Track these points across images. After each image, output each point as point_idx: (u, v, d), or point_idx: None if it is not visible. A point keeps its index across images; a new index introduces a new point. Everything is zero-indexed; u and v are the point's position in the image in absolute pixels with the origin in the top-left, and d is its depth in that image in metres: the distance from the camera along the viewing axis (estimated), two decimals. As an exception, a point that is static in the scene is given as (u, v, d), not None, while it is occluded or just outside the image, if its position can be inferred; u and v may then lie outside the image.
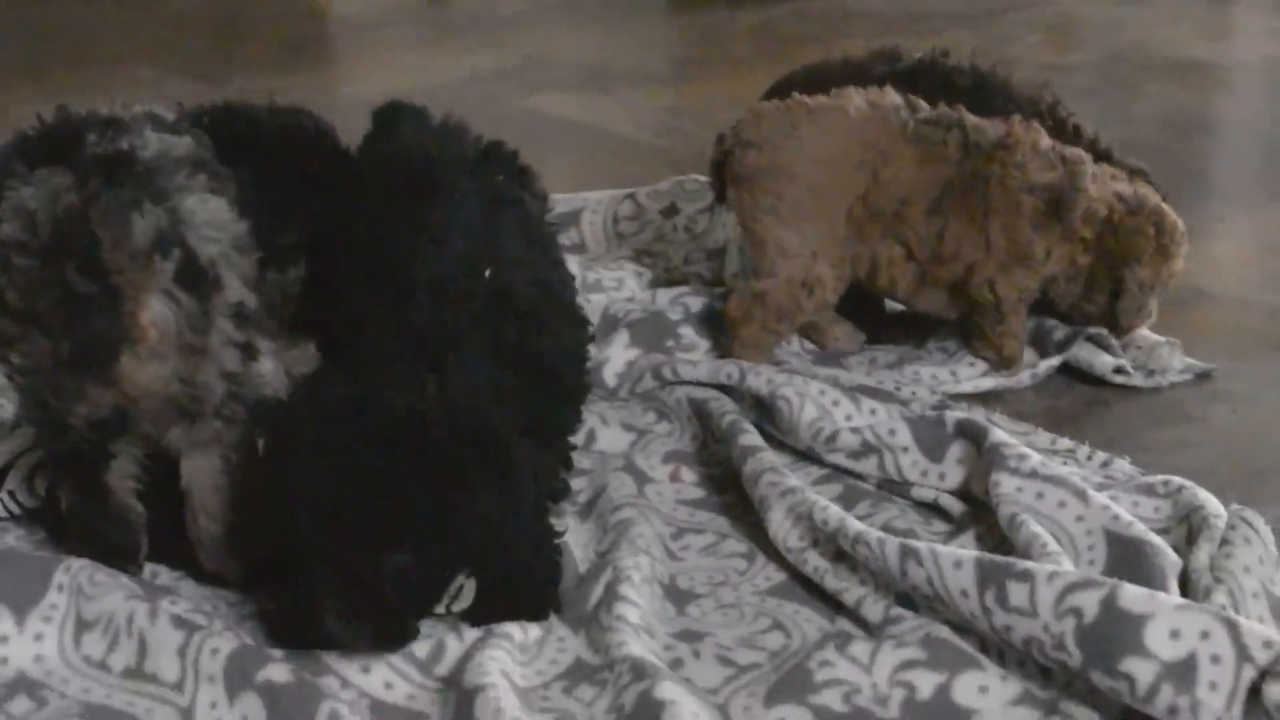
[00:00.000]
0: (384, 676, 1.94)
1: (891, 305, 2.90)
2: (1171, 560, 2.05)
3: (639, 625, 2.01)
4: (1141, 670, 1.76)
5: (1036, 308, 2.76)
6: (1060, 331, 2.77)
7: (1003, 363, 2.69)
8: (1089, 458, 2.44)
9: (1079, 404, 2.67)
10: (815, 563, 2.13)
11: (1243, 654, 1.73)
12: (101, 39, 5.44)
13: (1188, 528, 2.16)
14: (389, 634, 1.95)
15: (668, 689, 1.84)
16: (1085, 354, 2.74)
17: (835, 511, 2.13)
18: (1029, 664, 1.90)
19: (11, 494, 2.27)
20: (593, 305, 2.70)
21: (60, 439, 2.06)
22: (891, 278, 2.70)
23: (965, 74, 2.92)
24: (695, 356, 2.71)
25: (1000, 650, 1.93)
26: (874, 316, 2.89)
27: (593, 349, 2.41)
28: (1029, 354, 2.74)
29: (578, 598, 2.10)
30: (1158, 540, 2.08)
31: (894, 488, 2.38)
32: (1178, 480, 2.24)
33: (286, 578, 2.00)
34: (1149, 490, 2.24)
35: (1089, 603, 1.81)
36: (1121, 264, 2.66)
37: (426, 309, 2.08)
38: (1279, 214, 3.56)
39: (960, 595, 1.92)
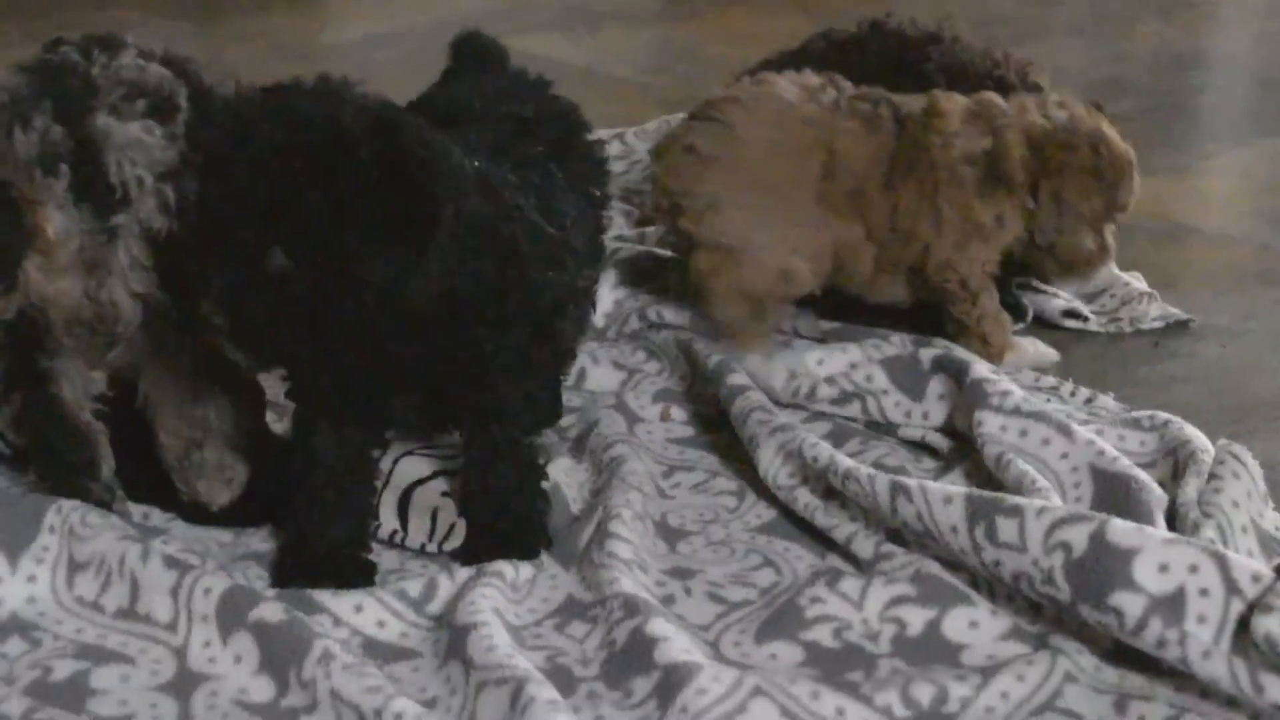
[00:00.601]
0: (376, 615, 1.95)
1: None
2: (1157, 495, 2.05)
3: (631, 560, 2.01)
4: (1130, 604, 1.76)
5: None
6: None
7: (992, 353, 2.53)
8: (1072, 394, 2.44)
9: (1064, 342, 2.65)
10: (805, 500, 2.14)
11: (1231, 587, 1.73)
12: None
13: (1174, 462, 2.17)
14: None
15: (659, 625, 1.85)
16: (1038, 301, 2.73)
17: (825, 448, 2.13)
18: (1018, 599, 1.91)
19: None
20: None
21: None
22: (850, 263, 2.56)
23: (914, 32, 2.85)
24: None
25: (990, 585, 1.94)
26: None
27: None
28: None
29: (570, 536, 2.10)
30: (1144, 475, 2.08)
31: (881, 429, 2.38)
32: (1163, 415, 2.24)
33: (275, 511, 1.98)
34: (1134, 425, 2.24)
35: (1078, 537, 1.82)
36: (1044, 179, 2.51)
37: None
38: (1268, 150, 3.56)
39: (950, 531, 1.93)
